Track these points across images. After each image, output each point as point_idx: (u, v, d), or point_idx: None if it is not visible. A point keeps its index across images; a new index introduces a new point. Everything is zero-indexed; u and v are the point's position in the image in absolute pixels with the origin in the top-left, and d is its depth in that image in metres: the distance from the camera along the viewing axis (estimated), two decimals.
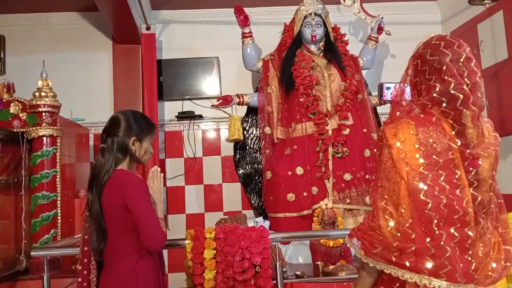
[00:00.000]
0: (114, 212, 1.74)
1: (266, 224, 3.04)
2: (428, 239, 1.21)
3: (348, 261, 2.61)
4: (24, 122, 2.99)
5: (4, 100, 3.01)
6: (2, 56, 3.97)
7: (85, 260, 1.83)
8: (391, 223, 1.26)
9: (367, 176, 3.08)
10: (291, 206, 3.06)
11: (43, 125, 2.97)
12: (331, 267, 2.53)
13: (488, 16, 3.47)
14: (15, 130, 2.96)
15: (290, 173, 3.10)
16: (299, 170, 3.09)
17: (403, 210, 1.24)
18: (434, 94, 1.30)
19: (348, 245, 1.40)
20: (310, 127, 3.18)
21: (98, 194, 1.76)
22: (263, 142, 3.40)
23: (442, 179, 1.23)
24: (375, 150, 3.05)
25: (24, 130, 2.97)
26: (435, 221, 1.20)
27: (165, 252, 3.45)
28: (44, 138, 2.98)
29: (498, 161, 1.33)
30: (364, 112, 3.30)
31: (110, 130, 1.83)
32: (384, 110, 3.70)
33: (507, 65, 3.30)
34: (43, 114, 2.99)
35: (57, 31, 4.04)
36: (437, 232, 1.20)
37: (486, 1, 2.75)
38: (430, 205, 1.21)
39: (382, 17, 3.62)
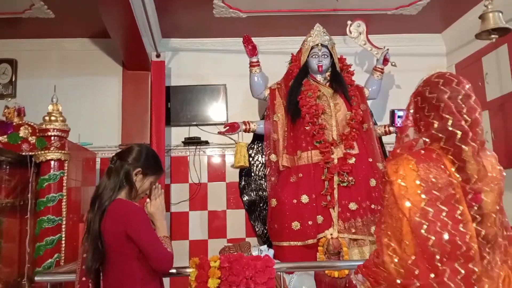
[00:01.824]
0: (115, 242, 1.78)
1: (270, 252, 3.02)
2: (432, 275, 1.20)
3: None
4: (33, 145, 3.01)
5: (14, 123, 3.05)
6: (13, 80, 4.05)
7: None
8: (395, 260, 1.27)
9: (372, 206, 3.07)
10: (296, 234, 3.04)
11: (52, 149, 2.99)
12: None
13: (493, 49, 3.52)
14: (23, 154, 2.99)
15: (295, 201, 3.09)
16: (305, 199, 3.09)
17: (406, 247, 1.25)
18: (433, 131, 1.33)
19: (354, 282, 1.40)
20: (315, 155, 3.19)
21: (99, 215, 1.80)
22: (269, 169, 3.40)
23: (444, 214, 1.24)
24: (380, 185, 3.05)
25: (33, 153, 2.99)
26: (438, 257, 1.21)
27: (167, 280, 3.43)
28: (52, 162, 2.99)
29: (502, 194, 1.34)
30: (369, 142, 3.32)
31: (122, 155, 1.92)
32: (389, 140, 3.72)
33: None
34: (52, 138, 3.01)
35: (68, 56, 4.13)
36: (440, 268, 1.20)
37: (493, 36, 2.79)
38: (432, 241, 1.22)
39: (388, 49, 3.68)
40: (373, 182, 3.15)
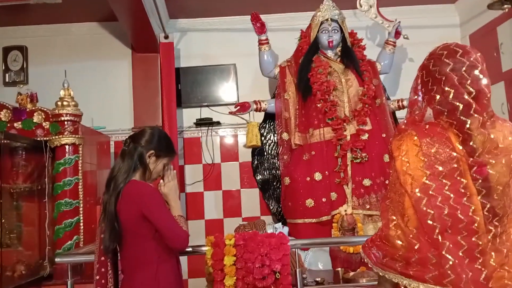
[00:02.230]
0: (132, 223, 1.81)
1: (285, 230, 3.04)
2: (431, 249, 1.22)
3: (369, 268, 2.59)
4: (47, 131, 3.06)
5: (28, 109, 3.09)
6: (25, 66, 4.07)
7: (103, 269, 1.91)
8: (398, 233, 1.29)
9: (386, 182, 3.05)
10: (310, 212, 3.05)
11: (66, 133, 3.04)
12: (352, 273, 2.52)
13: (507, 19, 3.42)
14: (38, 139, 3.03)
15: (308, 179, 3.10)
16: (318, 176, 3.09)
17: (408, 221, 1.27)
18: (435, 105, 1.32)
19: (362, 255, 1.42)
20: (328, 132, 3.17)
21: (115, 196, 1.83)
22: (281, 148, 3.40)
23: (446, 188, 1.24)
24: None
25: (47, 138, 3.03)
26: (437, 230, 1.22)
27: (184, 258, 3.50)
28: (67, 147, 3.04)
29: None
30: (382, 117, 3.28)
31: (135, 138, 1.95)
32: (403, 115, 3.67)
33: None
34: (66, 123, 3.05)
35: (77, 41, 4.13)
36: (440, 241, 1.21)
37: (506, 6, 2.71)
38: (430, 215, 1.23)
39: (399, 22, 3.60)
40: (386, 158, 3.13)
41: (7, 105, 3.08)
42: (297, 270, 2.21)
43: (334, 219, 2.93)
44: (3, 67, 4.06)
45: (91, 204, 3.21)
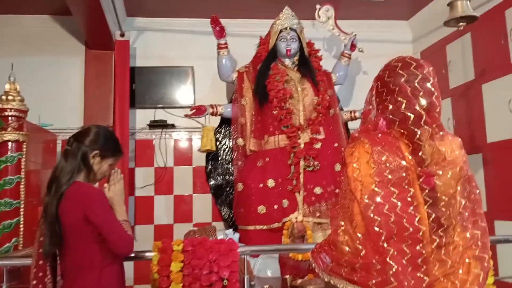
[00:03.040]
0: (74, 225, 1.74)
1: (236, 236, 3.02)
2: (376, 256, 1.24)
3: (316, 275, 2.61)
4: None
5: None
6: None
7: (40, 274, 1.84)
8: (345, 239, 1.31)
9: (337, 190, 3.10)
10: (262, 218, 3.05)
11: (9, 129, 2.87)
12: (299, 281, 2.53)
13: (457, 37, 3.60)
14: None
15: (261, 185, 3.10)
16: (271, 183, 3.10)
17: (355, 227, 1.29)
18: (387, 114, 1.36)
19: (310, 261, 1.44)
20: (282, 140, 3.20)
21: (56, 199, 1.76)
22: (236, 154, 3.39)
23: (394, 196, 1.27)
24: None
25: None
26: (383, 238, 1.24)
27: (131, 264, 3.40)
28: (9, 143, 2.87)
29: (463, 178, 1.36)
30: (335, 127, 3.35)
31: (78, 137, 1.86)
32: (355, 126, 3.76)
33: (473, 86, 3.43)
34: (9, 118, 2.89)
35: (28, 33, 3.93)
36: (385, 248, 1.24)
37: (461, 23, 2.84)
38: (377, 222, 1.25)
39: (356, 35, 3.70)
40: (338, 167, 3.19)
41: None
42: (245, 277, 2.19)
43: (285, 226, 2.95)
44: None
45: (33, 205, 3.05)
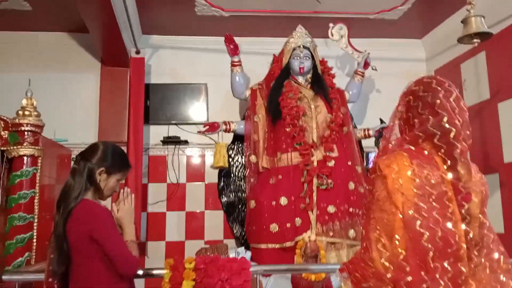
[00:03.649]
0: (80, 243, 1.75)
1: (248, 255, 2.99)
2: (422, 272, 1.19)
3: None
4: (5, 140, 2.91)
5: None
6: None
7: None
8: (385, 255, 1.25)
9: (350, 209, 3.07)
10: (274, 237, 3.01)
11: (25, 144, 2.91)
12: None
13: (471, 56, 3.58)
14: None
15: (274, 203, 3.07)
16: (283, 201, 3.07)
17: (397, 242, 1.24)
18: (428, 126, 1.33)
19: (337, 280, 1.39)
20: (295, 157, 3.17)
21: (64, 217, 1.77)
22: (248, 171, 3.37)
23: (435, 212, 1.23)
24: (364, 185, 3.05)
25: (5, 148, 2.90)
26: (431, 253, 1.19)
27: (142, 281, 3.38)
28: (25, 158, 2.91)
29: (487, 199, 1.35)
30: (349, 145, 3.32)
31: (85, 154, 1.88)
32: (368, 144, 3.73)
33: (489, 105, 3.39)
34: (26, 133, 2.93)
35: (45, 50, 4.02)
36: (431, 264, 1.19)
37: (475, 40, 2.82)
38: (426, 236, 1.20)
39: (369, 53, 3.70)
40: (351, 185, 3.16)
41: None
42: None
43: (298, 245, 2.91)
44: None
45: (46, 219, 3.06)
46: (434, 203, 1.23)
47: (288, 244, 2.98)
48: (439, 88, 1.35)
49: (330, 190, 3.09)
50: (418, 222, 1.21)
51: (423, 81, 1.40)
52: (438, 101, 1.33)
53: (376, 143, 3.55)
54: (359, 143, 3.58)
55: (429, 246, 1.19)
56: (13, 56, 3.98)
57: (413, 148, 1.34)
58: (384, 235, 1.27)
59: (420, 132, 1.34)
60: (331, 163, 3.15)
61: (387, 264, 1.24)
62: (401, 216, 1.24)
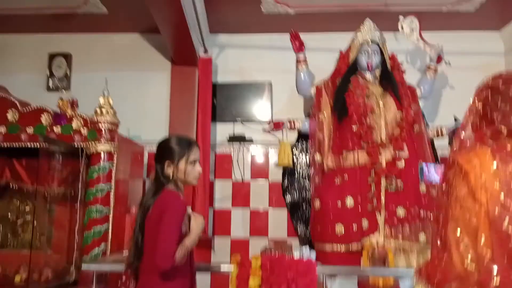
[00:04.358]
0: (151, 228, 1.82)
1: (313, 255, 2.96)
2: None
3: None
4: (84, 137, 3.11)
5: (68, 115, 3.16)
6: (68, 73, 4.20)
7: (126, 281, 1.93)
8: (469, 255, 1.18)
9: (421, 212, 2.93)
10: (340, 238, 2.95)
11: (102, 141, 3.09)
12: None
13: None
14: (75, 145, 3.10)
15: (339, 203, 3.01)
16: (349, 201, 3.00)
17: (483, 240, 1.16)
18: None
19: (414, 282, 1.33)
20: (362, 157, 3.09)
21: (141, 213, 1.88)
22: (313, 170, 3.33)
23: None
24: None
25: (84, 144, 3.09)
26: None
27: (208, 275, 3.47)
28: (102, 153, 3.09)
29: None
30: (420, 144, 3.17)
31: (154, 158, 2.01)
32: (441, 143, 3.55)
33: None
34: (103, 130, 3.11)
35: (119, 50, 4.23)
36: None
37: None
38: None
39: (442, 46, 3.51)
40: (423, 188, 3.01)
41: (48, 109, 3.17)
42: None
43: (365, 248, 2.83)
44: (48, 73, 4.20)
45: (121, 213, 3.24)
46: None
47: (355, 246, 2.91)
48: None
49: (400, 192, 2.96)
50: (507, 220, 1.14)
51: (502, 76, 1.35)
52: None
53: (450, 143, 3.37)
54: (431, 142, 3.41)
55: None
56: (91, 56, 4.23)
57: (494, 143, 1.27)
58: (466, 235, 1.19)
59: (503, 125, 1.28)
60: (401, 164, 3.03)
61: (472, 265, 1.17)
62: (486, 213, 1.17)
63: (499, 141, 1.28)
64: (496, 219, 1.15)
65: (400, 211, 2.93)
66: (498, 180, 1.18)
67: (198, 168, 1.99)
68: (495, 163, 1.21)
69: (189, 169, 1.95)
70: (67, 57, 4.23)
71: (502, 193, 1.17)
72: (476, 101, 1.38)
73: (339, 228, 2.97)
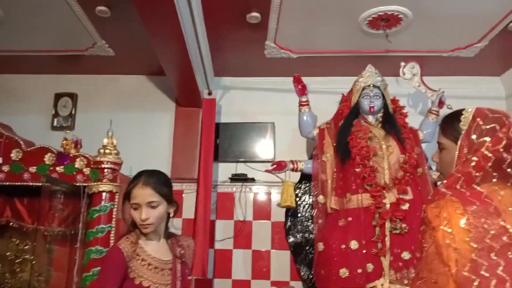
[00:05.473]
0: None
1: None
2: None
3: None
4: (87, 177, 3.11)
5: (71, 155, 3.18)
6: (73, 113, 4.26)
7: None
8: None
9: None
10: (344, 282, 2.88)
11: (104, 180, 3.09)
12: None
13: None
14: (77, 184, 3.09)
15: (343, 246, 2.96)
16: (354, 244, 2.95)
17: None
18: (504, 167, 1.18)
19: None
20: (366, 199, 3.06)
21: None
22: (316, 211, 3.30)
23: (501, 269, 1.04)
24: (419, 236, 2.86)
25: (86, 184, 3.09)
26: None
27: None
28: (104, 194, 3.07)
29: None
30: (424, 187, 3.15)
31: None
32: None
33: None
34: (105, 170, 3.11)
35: (124, 92, 4.30)
36: None
37: None
38: None
39: (443, 91, 3.56)
40: None
41: (52, 149, 3.19)
42: None
43: None
44: (53, 112, 4.26)
45: None
46: (495, 258, 1.05)
47: None
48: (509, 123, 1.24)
49: (405, 235, 2.92)
50: (475, 284, 1.03)
51: (482, 112, 1.32)
52: (505, 128, 1.22)
53: None
54: (435, 185, 3.39)
55: None
56: (97, 97, 4.30)
57: (467, 192, 1.17)
58: None
59: (475, 171, 1.18)
60: (405, 206, 3.00)
61: None
62: (453, 277, 1.06)
63: (472, 191, 1.17)
64: (464, 283, 1.05)
65: (406, 255, 2.87)
66: (469, 236, 1.08)
67: (141, 214, 1.65)
68: (466, 216, 1.10)
69: (133, 213, 1.68)
70: (73, 97, 4.29)
71: (474, 253, 1.06)
72: (462, 143, 1.31)
73: (344, 273, 2.90)
